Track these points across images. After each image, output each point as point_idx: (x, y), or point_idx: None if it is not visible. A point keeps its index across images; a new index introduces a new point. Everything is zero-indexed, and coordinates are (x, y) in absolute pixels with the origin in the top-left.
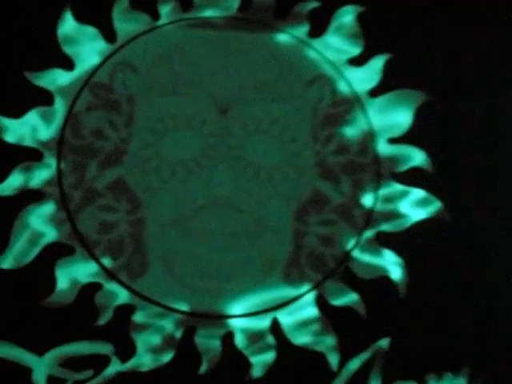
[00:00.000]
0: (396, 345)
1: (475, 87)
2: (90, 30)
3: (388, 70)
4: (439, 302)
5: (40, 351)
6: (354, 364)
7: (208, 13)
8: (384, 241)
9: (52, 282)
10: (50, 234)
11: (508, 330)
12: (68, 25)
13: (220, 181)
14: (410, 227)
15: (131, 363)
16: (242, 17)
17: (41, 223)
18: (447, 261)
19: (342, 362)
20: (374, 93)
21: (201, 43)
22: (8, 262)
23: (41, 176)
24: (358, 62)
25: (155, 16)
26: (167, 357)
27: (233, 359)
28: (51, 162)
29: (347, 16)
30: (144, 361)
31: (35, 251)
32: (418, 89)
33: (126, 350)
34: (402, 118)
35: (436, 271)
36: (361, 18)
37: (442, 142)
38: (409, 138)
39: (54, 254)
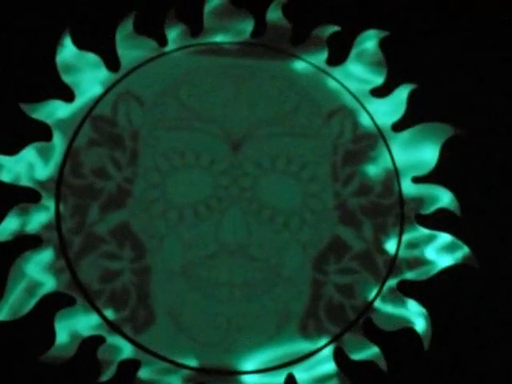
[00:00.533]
0: None
1: (508, 120)
2: (92, 57)
3: (413, 101)
4: (466, 357)
5: None
6: None
7: (219, 38)
8: (408, 290)
9: (51, 334)
10: (49, 283)
11: None
12: (67, 51)
13: (231, 226)
14: (435, 275)
15: None
16: (256, 42)
17: (38, 271)
18: (475, 311)
19: None
20: (398, 127)
21: (211, 71)
22: (3, 314)
23: (38, 219)
24: (381, 92)
25: (162, 41)
26: None
27: None
28: (49, 203)
29: (369, 41)
30: None
31: (33, 302)
32: (445, 122)
33: None
34: (428, 154)
35: (463, 323)
36: (384, 44)
37: (470, 181)
38: (435, 176)
39: (53, 304)
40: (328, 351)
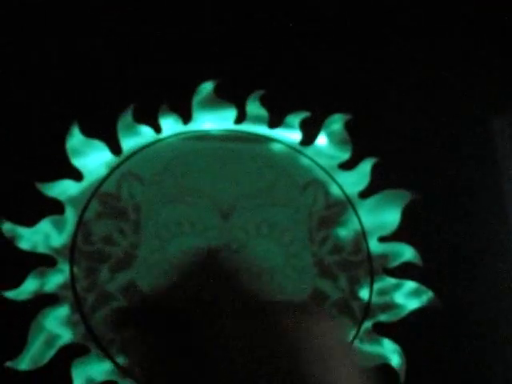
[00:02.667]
0: None
1: (455, 185)
2: (97, 143)
3: (376, 172)
4: None
5: None
6: None
7: (206, 124)
8: (382, 330)
9: (68, 381)
10: (66, 336)
11: None
12: (76, 138)
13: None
14: (405, 316)
15: None
16: (238, 129)
17: (56, 325)
18: (443, 345)
19: None
20: (364, 194)
21: (201, 154)
22: (25, 364)
23: (55, 280)
24: (347, 166)
25: (157, 129)
26: None
27: None
28: (64, 267)
29: (336, 124)
30: None
31: (51, 352)
32: (404, 188)
33: None
34: (391, 217)
35: (433, 355)
36: (348, 125)
37: (429, 237)
38: (398, 235)
39: (70, 354)
40: None
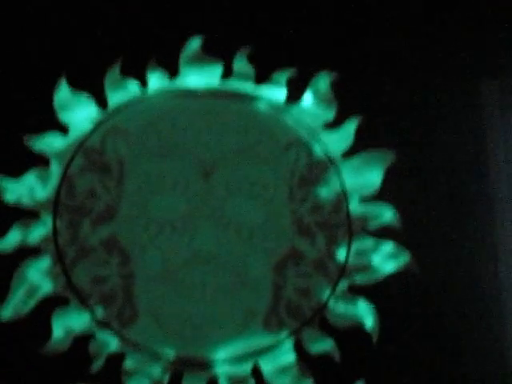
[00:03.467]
0: None
1: (439, 147)
2: (84, 97)
3: (360, 131)
4: (410, 348)
5: None
6: None
7: (192, 80)
8: (357, 291)
9: (48, 331)
10: (47, 287)
11: (478, 376)
12: (63, 93)
13: (203, 238)
14: (381, 278)
15: None
16: (223, 88)
17: (38, 277)
18: (417, 309)
19: None
20: (348, 154)
21: (186, 111)
22: (7, 313)
23: (38, 233)
24: (332, 125)
25: (144, 84)
26: None
27: None
28: (47, 220)
29: (322, 82)
30: None
31: (32, 303)
32: (388, 148)
33: None
34: (373, 177)
35: (407, 318)
36: (335, 84)
37: (409, 198)
38: (379, 195)
39: (50, 305)
40: (289, 344)
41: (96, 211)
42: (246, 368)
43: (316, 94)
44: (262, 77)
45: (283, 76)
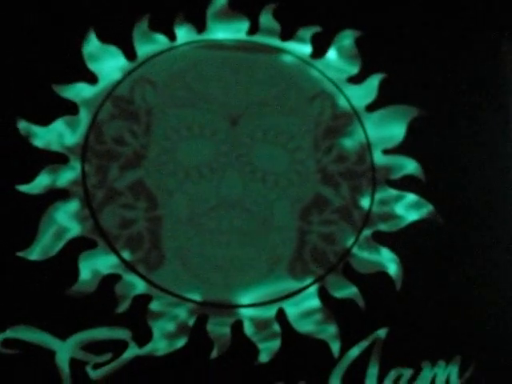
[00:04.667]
0: (393, 334)
1: (460, 104)
2: (112, 49)
3: (383, 87)
4: (433, 296)
5: (63, 336)
6: (354, 352)
7: (219, 34)
8: (381, 239)
9: (75, 273)
10: (75, 229)
11: (495, 322)
12: (92, 44)
13: (230, 183)
14: (404, 227)
15: (148, 348)
16: (250, 40)
17: (66, 219)
18: (439, 257)
19: (343, 350)
20: (371, 108)
21: (213, 62)
22: (35, 254)
23: (67, 177)
24: (356, 80)
25: (172, 37)
26: (181, 342)
27: (241, 346)
28: (76, 164)
29: (346, 39)
30: (159, 346)
31: (60, 244)
32: (411, 104)
33: (143, 336)
34: (396, 130)
35: (429, 267)
36: (358, 41)
37: (431, 152)
38: (402, 148)
39: (78, 247)
40: (313, 289)
41: (124, 157)
42: (271, 312)
43: (340, 50)
44: (288, 33)
45: (308, 32)
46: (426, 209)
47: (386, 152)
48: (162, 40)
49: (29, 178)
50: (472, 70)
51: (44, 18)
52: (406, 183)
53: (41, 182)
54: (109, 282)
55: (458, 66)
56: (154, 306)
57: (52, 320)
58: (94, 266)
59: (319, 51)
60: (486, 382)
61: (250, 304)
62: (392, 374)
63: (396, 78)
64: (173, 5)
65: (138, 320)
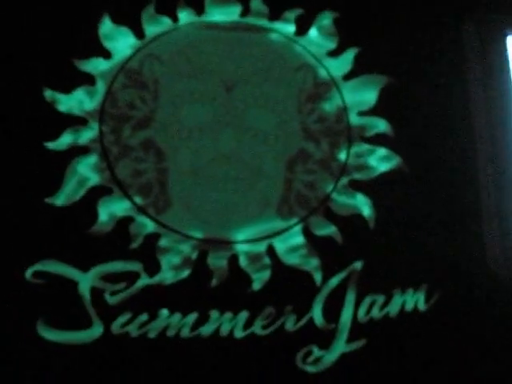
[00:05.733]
0: (367, 266)
1: (424, 71)
2: (124, 30)
3: (358, 59)
4: (402, 233)
5: (85, 268)
6: (334, 281)
7: (216, 16)
8: (356, 186)
9: (95, 215)
10: (94, 179)
11: (457, 253)
12: (107, 25)
13: (226, 140)
14: (376, 176)
15: (157, 278)
16: (243, 21)
17: (87, 170)
18: (406, 200)
19: (325, 279)
20: (347, 77)
21: (211, 40)
22: (61, 200)
23: (87, 136)
24: (334, 54)
25: (175, 19)
26: (185, 273)
27: (237, 276)
28: (94, 126)
29: (326, 19)
30: (167, 276)
31: (82, 192)
32: (381, 74)
33: (153, 268)
34: (369, 96)
35: (398, 209)
36: (336, 21)
37: (400, 114)
38: (374, 111)
39: (97, 194)
40: (298, 228)
41: (135, 119)
42: (262, 247)
43: (320, 29)
44: (275, 15)
45: (292, 14)
46: (395, 161)
47: (361, 114)
48: (166, 22)
49: (55, 137)
50: (435, 43)
51: (67, 3)
52: (378, 139)
53: (65, 140)
54: (123, 223)
55: (424, 40)
56: (162, 242)
57: (75, 255)
58: (111, 209)
59: (302, 30)
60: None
61: (244, 240)
62: (367, 301)
63: (369, 52)
64: None
65: (149, 254)
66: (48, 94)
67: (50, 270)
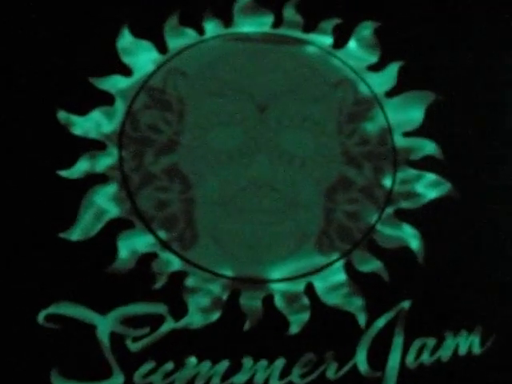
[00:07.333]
0: (416, 306)
1: (475, 87)
2: (145, 43)
3: (402, 74)
4: (454, 269)
5: (104, 311)
6: (380, 323)
7: (245, 28)
8: (403, 216)
9: (114, 251)
10: (113, 211)
11: None
12: (126, 39)
13: (259, 166)
14: (425, 204)
15: (183, 322)
16: (275, 32)
17: (105, 201)
18: (459, 232)
19: (369, 321)
20: (391, 94)
21: (240, 54)
22: (76, 235)
23: (105, 162)
24: (375, 68)
25: (201, 31)
26: (215, 316)
27: (273, 318)
28: (113, 150)
29: (366, 30)
30: (195, 319)
31: (100, 225)
32: (428, 90)
33: (179, 310)
34: (415, 114)
35: (449, 241)
36: (377, 31)
37: (450, 133)
38: (421, 131)
39: (116, 227)
40: (340, 264)
41: (159, 143)
42: (300, 286)
43: (360, 41)
44: (310, 25)
45: (329, 24)
46: (445, 187)
47: (406, 134)
48: (191, 34)
49: (69, 164)
50: (490, 57)
51: (81, 15)
52: (426, 163)
53: (80, 168)
54: (146, 260)
55: (477, 52)
56: (189, 282)
57: (93, 296)
58: (132, 245)
59: (340, 42)
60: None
61: (280, 279)
62: (416, 344)
63: (414, 65)
64: (201, 1)
65: (174, 295)
66: (62, 115)
67: (64, 312)
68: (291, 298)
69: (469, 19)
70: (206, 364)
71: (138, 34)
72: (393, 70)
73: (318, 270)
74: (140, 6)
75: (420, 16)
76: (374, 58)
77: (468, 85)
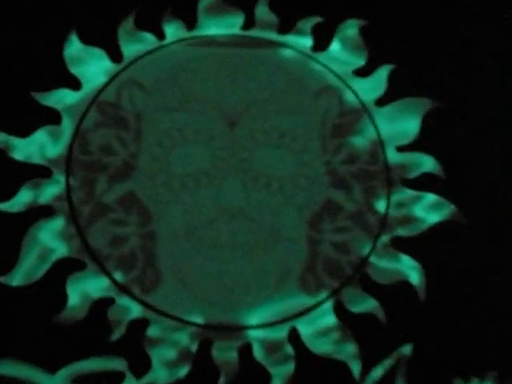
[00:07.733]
0: (419, 350)
1: (481, 92)
2: (96, 51)
3: (393, 79)
4: (461, 306)
5: (52, 369)
6: (378, 372)
7: (212, 30)
8: (400, 245)
9: (63, 297)
10: (60, 250)
11: None
12: (74, 46)
13: (230, 192)
14: (425, 231)
15: (146, 379)
16: (246, 34)
17: (51, 238)
18: (466, 262)
19: (365, 371)
20: (381, 102)
21: (206, 60)
22: (18, 279)
23: (50, 192)
24: (363, 72)
25: (161, 36)
26: (183, 371)
27: (251, 371)
28: (60, 178)
29: (350, 29)
30: (159, 376)
31: (45, 267)
32: (424, 96)
33: (141, 366)
34: (410, 125)
35: (455, 274)
36: (364, 30)
37: (450, 147)
38: (417, 145)
39: (65, 269)
40: (328, 305)
41: (113, 167)
42: (282, 333)
43: (344, 42)
44: (286, 26)
45: (308, 24)
46: (448, 210)
47: (401, 149)
48: (149, 39)
49: (8, 195)
50: (487, 58)
51: (22, 21)
52: (424, 182)
53: (22, 199)
54: (100, 306)
55: (472, 51)
56: (152, 331)
57: (39, 351)
58: (84, 289)
59: (321, 43)
60: None
61: (259, 325)
62: None
63: (407, 69)
64: (160, 0)
65: (135, 348)
66: (0, 138)
67: (6, 372)
68: (272, 347)
69: (470, 17)
70: None
71: (87, 40)
72: (383, 74)
73: (302, 313)
74: (90, 7)
75: (412, 13)
76: (360, 62)
77: (470, 90)
